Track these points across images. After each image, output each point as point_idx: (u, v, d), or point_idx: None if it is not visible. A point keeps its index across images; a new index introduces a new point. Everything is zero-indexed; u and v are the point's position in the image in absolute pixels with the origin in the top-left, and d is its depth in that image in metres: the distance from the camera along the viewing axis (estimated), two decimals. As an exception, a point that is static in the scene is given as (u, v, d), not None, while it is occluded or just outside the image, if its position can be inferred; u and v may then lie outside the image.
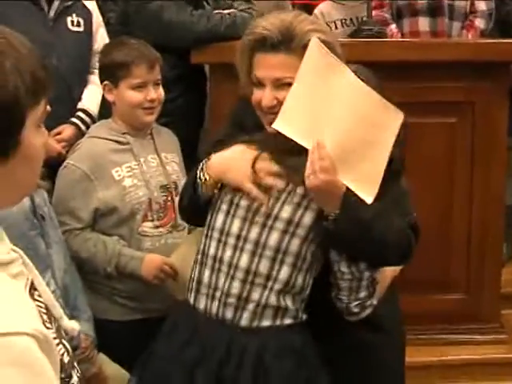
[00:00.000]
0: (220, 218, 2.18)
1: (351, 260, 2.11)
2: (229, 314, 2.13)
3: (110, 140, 2.86)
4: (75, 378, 1.35)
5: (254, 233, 2.11)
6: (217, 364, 2.10)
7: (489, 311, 3.37)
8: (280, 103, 2.07)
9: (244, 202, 2.14)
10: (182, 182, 2.91)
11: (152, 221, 2.85)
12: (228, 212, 2.16)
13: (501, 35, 4.34)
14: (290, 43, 2.07)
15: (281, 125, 2.04)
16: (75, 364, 1.39)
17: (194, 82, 3.34)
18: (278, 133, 2.05)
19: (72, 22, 3.39)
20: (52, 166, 3.17)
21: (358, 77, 2.01)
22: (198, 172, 2.24)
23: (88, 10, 3.48)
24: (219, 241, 2.16)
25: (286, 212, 2.10)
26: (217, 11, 3.31)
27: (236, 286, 2.12)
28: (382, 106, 1.99)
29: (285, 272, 2.11)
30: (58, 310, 1.40)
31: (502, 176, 3.30)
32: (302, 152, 2.02)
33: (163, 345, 2.24)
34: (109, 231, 2.83)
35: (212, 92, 3.25)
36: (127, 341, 2.68)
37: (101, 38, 3.51)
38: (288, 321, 2.14)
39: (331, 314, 2.20)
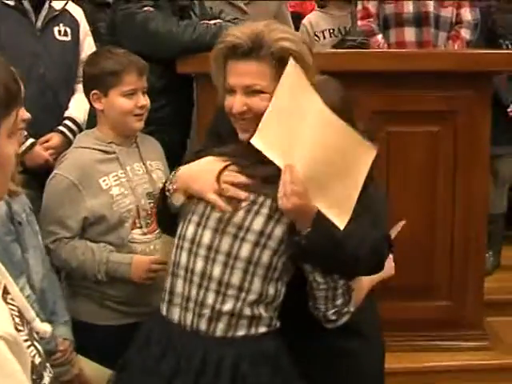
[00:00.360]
0: (191, 228, 2.18)
1: (326, 271, 2.14)
2: (203, 326, 2.13)
3: (97, 150, 2.89)
4: (47, 379, 1.38)
5: (225, 244, 2.12)
6: (194, 375, 2.10)
7: (472, 318, 3.39)
8: (250, 110, 2.13)
9: (215, 214, 2.14)
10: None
11: (140, 228, 2.89)
12: (199, 223, 2.17)
13: (487, 45, 4.38)
14: (259, 51, 2.11)
15: (257, 141, 2.07)
16: (47, 365, 1.42)
17: (181, 91, 3.36)
18: (249, 143, 2.08)
19: (59, 31, 3.43)
20: (39, 175, 3.22)
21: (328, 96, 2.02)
22: (167, 183, 2.27)
23: (75, 19, 3.51)
24: (190, 251, 2.17)
25: (257, 224, 2.11)
26: (203, 21, 3.34)
27: (210, 297, 2.12)
28: (354, 140, 1.98)
29: (257, 283, 2.12)
30: (31, 314, 1.43)
31: (484, 184, 3.32)
32: (273, 163, 2.05)
33: (139, 357, 2.24)
34: (98, 239, 2.86)
35: (198, 101, 3.27)
36: (117, 345, 2.71)
37: (88, 47, 3.54)
38: (262, 329, 2.15)
39: (309, 321, 2.23)
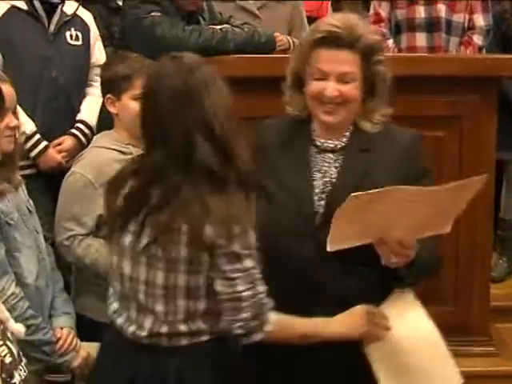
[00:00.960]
0: (115, 258, 2.19)
1: (227, 279, 2.09)
2: (146, 341, 2.14)
3: (114, 150, 2.97)
4: (17, 378, 1.41)
5: (142, 273, 2.11)
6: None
7: (478, 323, 3.37)
8: (342, 96, 2.31)
9: (127, 241, 2.13)
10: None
11: None
12: (118, 252, 2.17)
13: (501, 50, 4.35)
14: (355, 42, 2.30)
15: (335, 245, 2.18)
16: (22, 365, 1.45)
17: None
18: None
19: (71, 36, 3.51)
20: (53, 177, 3.28)
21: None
22: None
23: (86, 23, 3.59)
24: (120, 280, 2.18)
25: (161, 250, 2.07)
26: (209, 26, 3.37)
27: (147, 322, 2.13)
28: (459, 188, 2.17)
29: (182, 304, 2.09)
30: (5, 314, 1.46)
31: (489, 189, 3.29)
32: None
33: (99, 366, 2.29)
34: None
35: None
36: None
37: (98, 51, 3.62)
38: (205, 338, 2.14)
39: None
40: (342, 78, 2.31)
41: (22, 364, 1.46)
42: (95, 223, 2.91)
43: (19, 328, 1.52)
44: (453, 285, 3.36)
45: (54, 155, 3.41)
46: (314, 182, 2.39)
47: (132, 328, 2.15)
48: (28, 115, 3.30)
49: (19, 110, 2.69)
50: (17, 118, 2.53)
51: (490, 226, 3.35)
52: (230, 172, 2.03)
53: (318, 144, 2.42)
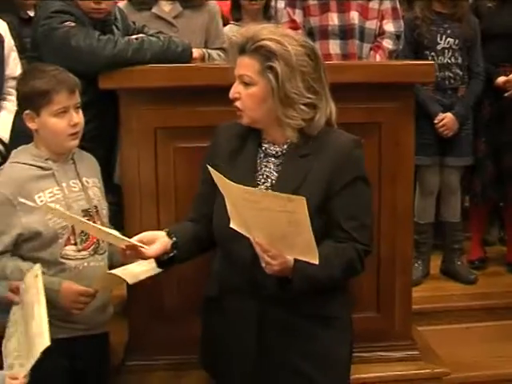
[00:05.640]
0: None
1: None
2: None
3: (33, 166, 2.91)
4: None
5: None
6: None
7: (400, 328, 3.40)
8: (240, 97, 2.52)
9: None
10: (102, 205, 3.02)
11: (75, 244, 2.92)
12: None
13: (414, 56, 4.51)
14: (246, 47, 2.49)
15: (234, 226, 2.41)
16: None
17: (106, 106, 3.31)
18: None
19: None
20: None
21: None
22: None
23: (0, 34, 3.48)
24: None
25: None
26: (125, 36, 3.31)
27: None
28: (280, 200, 2.22)
29: None
30: None
31: (409, 195, 3.33)
32: None
33: None
34: (31, 255, 2.87)
35: (121, 117, 3.23)
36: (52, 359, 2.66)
37: (13, 62, 3.55)
38: None
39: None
40: (242, 80, 2.52)
41: None
42: (13, 241, 2.85)
43: None
44: (375, 290, 3.39)
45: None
46: (258, 186, 2.57)
47: None
48: None
49: None
50: None
51: (410, 232, 3.39)
52: None
53: (263, 149, 2.62)
